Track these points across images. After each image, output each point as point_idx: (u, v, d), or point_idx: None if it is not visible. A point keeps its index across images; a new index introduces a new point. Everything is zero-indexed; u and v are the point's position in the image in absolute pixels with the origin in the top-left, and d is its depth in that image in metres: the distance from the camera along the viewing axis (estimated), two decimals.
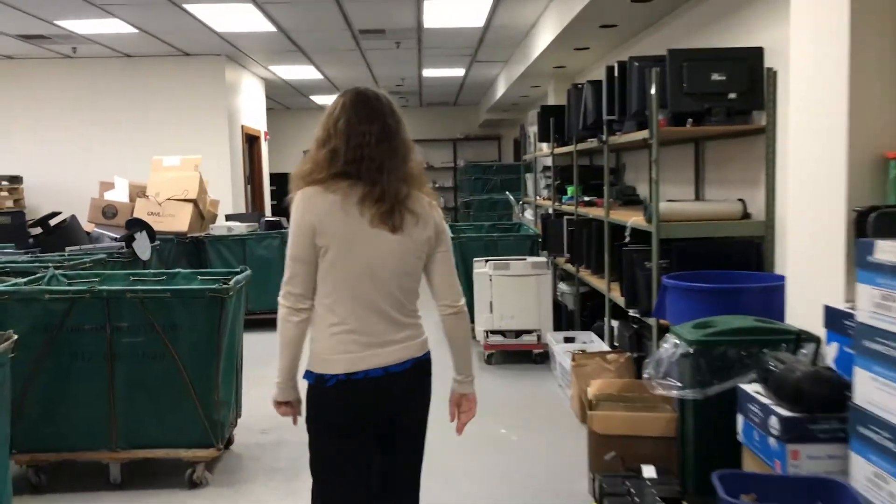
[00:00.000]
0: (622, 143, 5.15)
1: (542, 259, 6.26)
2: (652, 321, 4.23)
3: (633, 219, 4.58)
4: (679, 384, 3.27)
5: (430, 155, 16.15)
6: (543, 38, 7.54)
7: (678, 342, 3.30)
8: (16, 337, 2.71)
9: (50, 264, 4.79)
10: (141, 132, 9.81)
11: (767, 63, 4.09)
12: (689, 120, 4.15)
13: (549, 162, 8.77)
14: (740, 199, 4.29)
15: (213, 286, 3.75)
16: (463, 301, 2.34)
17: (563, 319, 6.51)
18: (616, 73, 4.75)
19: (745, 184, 4.46)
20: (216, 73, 9.84)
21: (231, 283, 3.87)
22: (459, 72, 11.40)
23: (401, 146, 2.17)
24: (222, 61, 9.81)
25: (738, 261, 4.18)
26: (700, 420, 3.23)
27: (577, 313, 6.38)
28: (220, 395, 3.83)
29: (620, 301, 4.81)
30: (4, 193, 8.95)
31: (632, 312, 4.52)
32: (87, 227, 7.90)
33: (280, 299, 2.17)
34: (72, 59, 9.61)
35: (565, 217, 6.70)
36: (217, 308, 3.75)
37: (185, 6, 7.01)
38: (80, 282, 4.38)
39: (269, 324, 8.12)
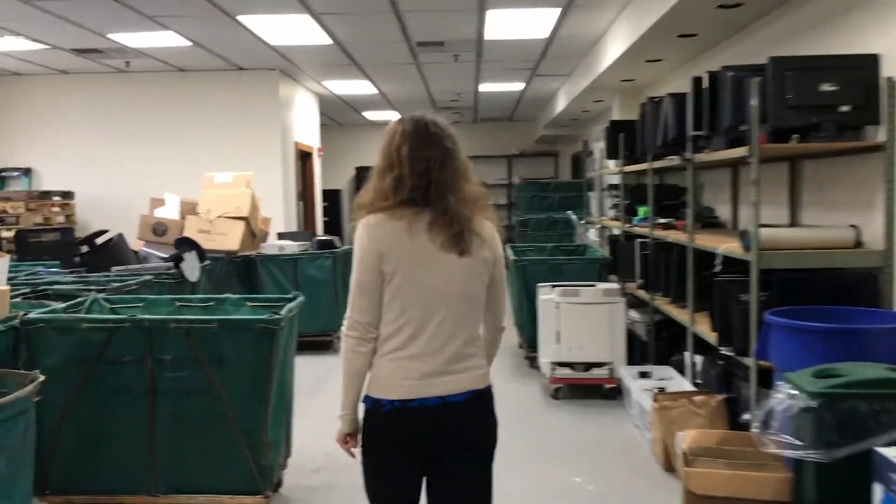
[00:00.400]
0: (710, 162, 4.69)
1: (615, 286, 5.80)
2: (749, 362, 3.75)
3: (724, 245, 4.10)
4: (798, 442, 2.81)
5: (484, 171, 15.73)
6: (613, 49, 7.11)
7: (796, 393, 2.83)
8: (42, 379, 2.39)
9: (93, 287, 4.53)
10: (193, 148, 9.65)
11: (885, 72, 3.61)
12: (795, 136, 3.68)
13: (615, 180, 8.31)
14: (853, 226, 3.79)
15: (264, 317, 3.41)
16: (505, 319, 2.38)
17: (635, 351, 6.01)
18: (705, 85, 4.30)
19: (855, 207, 3.96)
20: (270, 88, 9.64)
21: (283, 312, 3.52)
22: (518, 86, 11.02)
23: (461, 168, 2.18)
24: (276, 76, 9.61)
25: (849, 296, 3.67)
26: (823, 485, 2.77)
27: (652, 345, 5.89)
28: (269, 437, 3.47)
29: (708, 336, 4.33)
30: (56, 209, 8.84)
31: (724, 350, 4.04)
32: (137, 244, 7.71)
33: (346, 330, 2.14)
34: (125, 73, 9.51)
35: (638, 240, 6.23)
36: (267, 340, 3.41)
37: (240, 18, 6.78)
38: (122, 307, 4.09)
39: (320, 347, 7.71)
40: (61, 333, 3.38)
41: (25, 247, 7.31)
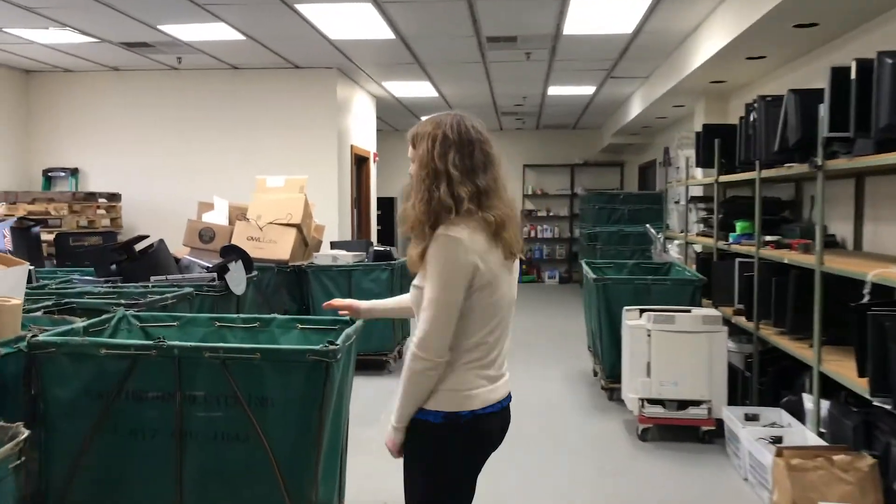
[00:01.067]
0: (850, 169, 3.94)
1: (716, 312, 5.05)
2: None
3: (876, 271, 3.35)
4: None
5: (545, 181, 15.04)
6: (707, 45, 6.36)
7: None
8: (24, 436, 1.79)
9: (125, 300, 3.96)
10: (245, 149, 9.16)
11: None
12: None
13: (698, 191, 7.56)
14: None
15: (316, 347, 2.77)
16: None
17: (734, 387, 5.23)
18: (853, 76, 3.55)
19: None
20: (327, 87, 9.10)
21: (339, 340, 2.89)
22: (588, 90, 10.29)
23: (502, 173, 2.17)
24: (334, 75, 9.07)
25: None
26: None
27: (754, 381, 5.12)
28: (320, 495, 2.84)
29: (850, 380, 3.56)
30: (101, 211, 8.42)
31: (879, 401, 3.28)
32: (182, 251, 7.22)
33: (421, 352, 2.00)
34: (176, 70, 9.08)
35: (737, 259, 5.47)
36: (320, 376, 2.78)
37: (297, 6, 6.22)
38: (154, 326, 3.51)
39: (374, 367, 6.99)
40: (75, 360, 2.80)
41: (65, 251, 6.86)
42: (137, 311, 3.72)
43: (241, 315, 3.62)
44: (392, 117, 13.23)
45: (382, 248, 7.29)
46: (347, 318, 3.40)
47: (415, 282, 2.12)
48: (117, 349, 2.80)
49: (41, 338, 2.82)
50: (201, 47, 7.87)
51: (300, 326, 3.53)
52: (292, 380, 2.79)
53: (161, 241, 5.30)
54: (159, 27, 7.00)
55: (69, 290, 4.54)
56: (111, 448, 2.82)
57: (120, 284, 4.93)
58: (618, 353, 5.56)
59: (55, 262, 6.91)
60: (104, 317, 3.38)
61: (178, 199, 8.84)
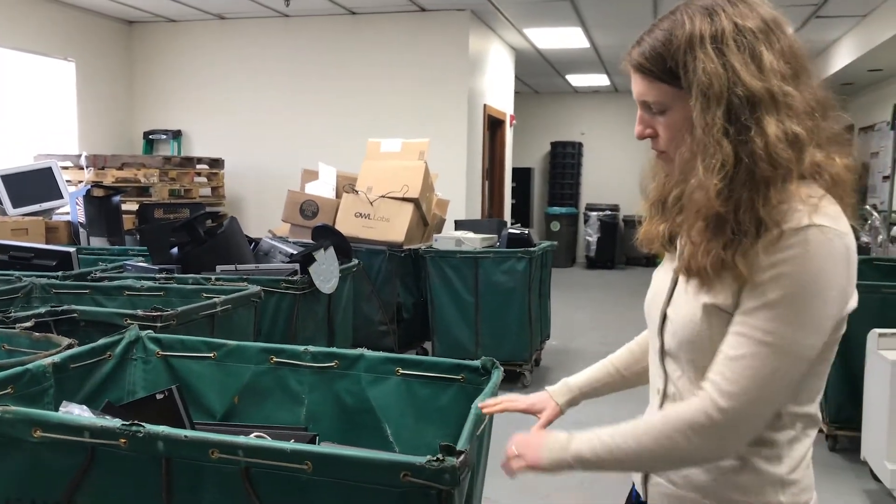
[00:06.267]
0: None
1: None
2: None
3: None
4: None
5: None
6: None
7: None
8: None
9: (144, 312, 2.67)
10: (362, 109, 7.90)
11: None
12: None
13: None
14: None
15: (419, 462, 1.32)
16: None
17: None
18: None
19: None
20: (458, 35, 7.66)
21: (464, 436, 1.46)
22: None
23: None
24: (466, 20, 7.61)
25: None
26: None
27: None
28: None
29: None
30: (201, 179, 7.39)
31: None
32: (283, 228, 6.07)
33: (726, 428, 1.15)
34: (286, 18, 7.90)
35: None
36: None
37: None
38: (182, 356, 2.19)
39: (504, 380, 5.20)
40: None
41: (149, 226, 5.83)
42: (158, 330, 2.47)
43: (311, 349, 2.20)
44: (531, 76, 11.63)
45: (519, 231, 5.82)
46: (478, 363, 2.05)
47: (709, 299, 1.19)
48: (61, 432, 1.48)
49: None
50: None
51: (401, 372, 2.11)
52: None
53: (233, 219, 4.07)
54: None
55: (103, 284, 3.37)
56: None
57: (176, 276, 3.74)
58: (851, 391, 3.93)
59: (138, 237, 5.91)
60: (104, 340, 2.10)
61: (286, 165, 7.72)
